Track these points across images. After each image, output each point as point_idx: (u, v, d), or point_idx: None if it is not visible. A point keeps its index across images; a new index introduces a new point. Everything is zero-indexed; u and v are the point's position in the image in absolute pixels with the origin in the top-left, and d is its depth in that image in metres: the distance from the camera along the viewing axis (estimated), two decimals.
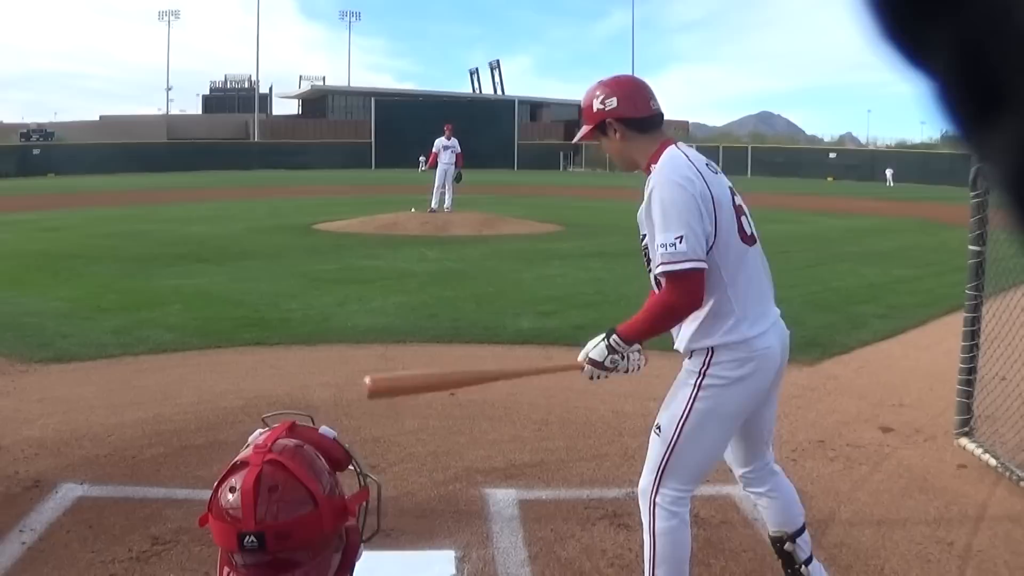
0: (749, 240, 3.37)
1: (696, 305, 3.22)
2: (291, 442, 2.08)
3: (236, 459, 2.00)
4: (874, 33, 0.49)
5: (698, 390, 3.32)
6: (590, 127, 3.48)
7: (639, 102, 3.41)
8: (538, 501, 4.99)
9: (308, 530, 1.92)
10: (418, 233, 18.71)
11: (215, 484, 1.97)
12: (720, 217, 3.24)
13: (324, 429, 2.21)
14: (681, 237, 3.12)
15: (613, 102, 3.38)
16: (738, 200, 3.38)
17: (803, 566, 3.75)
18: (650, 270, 3.36)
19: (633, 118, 3.40)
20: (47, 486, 5.00)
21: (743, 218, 3.36)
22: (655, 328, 3.35)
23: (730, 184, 3.43)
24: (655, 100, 3.44)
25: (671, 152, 3.36)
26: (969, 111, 0.49)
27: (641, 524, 3.53)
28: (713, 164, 3.45)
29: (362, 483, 2.20)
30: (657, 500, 3.41)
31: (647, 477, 3.46)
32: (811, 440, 5.97)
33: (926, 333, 9.36)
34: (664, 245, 3.15)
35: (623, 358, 3.36)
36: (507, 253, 15.79)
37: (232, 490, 1.92)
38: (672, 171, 3.26)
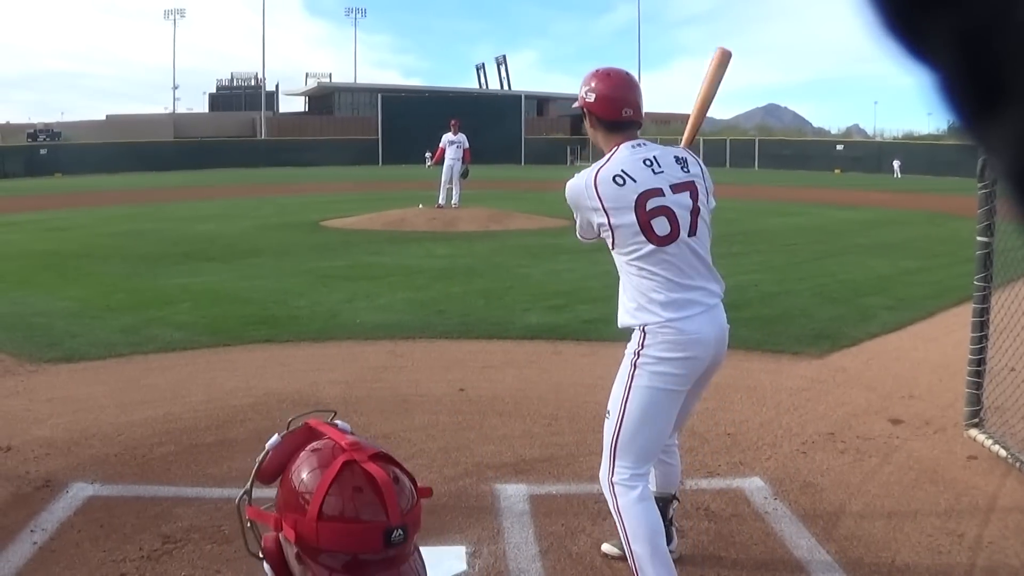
0: (663, 241, 3.56)
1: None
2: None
3: (329, 461, 1.94)
4: (876, 26, 0.49)
5: (634, 368, 3.62)
6: (578, 107, 3.87)
7: (611, 107, 3.73)
8: (549, 496, 4.99)
9: (420, 517, 1.93)
10: (426, 229, 18.71)
11: (317, 491, 1.91)
12: (621, 221, 3.57)
13: (341, 424, 2.16)
14: (577, 221, 3.79)
15: (592, 96, 3.75)
16: (666, 201, 3.58)
17: (671, 522, 4.17)
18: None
19: (601, 117, 3.74)
20: (58, 486, 5.02)
21: (658, 220, 3.56)
22: None
23: (673, 182, 3.64)
24: (631, 107, 3.74)
25: (599, 163, 3.71)
26: (972, 104, 0.49)
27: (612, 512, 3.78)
28: (651, 164, 3.67)
29: None
30: (614, 480, 3.70)
31: (603, 461, 3.77)
32: (821, 432, 5.96)
33: (935, 325, 9.33)
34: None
35: None
36: (515, 248, 15.80)
37: (359, 489, 1.88)
38: (589, 174, 3.68)
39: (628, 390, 3.61)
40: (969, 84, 0.48)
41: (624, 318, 3.68)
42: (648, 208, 3.56)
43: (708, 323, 3.63)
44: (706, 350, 3.63)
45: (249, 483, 2.07)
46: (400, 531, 1.83)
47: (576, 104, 3.87)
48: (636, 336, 3.62)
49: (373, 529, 1.83)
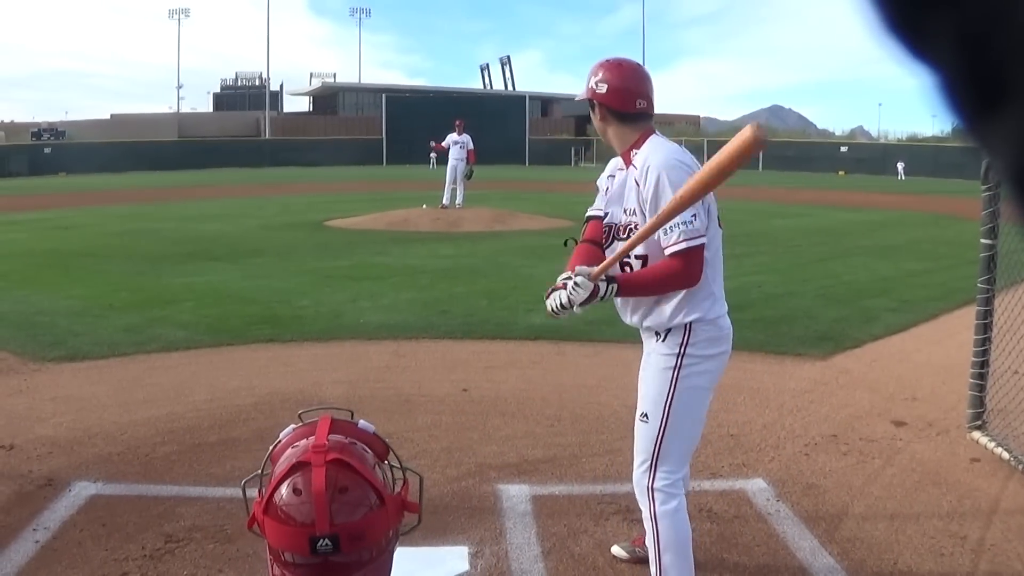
0: (720, 226, 3.56)
1: (697, 279, 3.38)
2: (345, 439, 2.04)
3: (293, 459, 1.95)
4: (877, 26, 0.49)
5: (679, 370, 3.47)
6: (584, 98, 3.65)
7: (625, 98, 3.54)
8: (551, 496, 4.99)
9: (378, 528, 1.88)
10: (429, 229, 18.72)
11: (269, 486, 1.92)
12: (709, 200, 3.43)
13: (363, 423, 2.17)
14: (696, 215, 3.31)
15: (603, 88, 3.55)
16: None
17: None
18: (609, 243, 3.66)
19: (614, 109, 3.55)
20: (60, 484, 5.02)
21: (712, 205, 3.51)
22: (655, 290, 3.49)
23: None
24: (644, 99, 3.57)
25: (661, 139, 3.56)
26: (972, 103, 0.49)
27: (643, 516, 3.62)
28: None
29: (404, 476, 2.17)
30: (655, 486, 3.52)
31: (641, 467, 3.58)
32: (824, 434, 5.96)
33: (938, 327, 9.32)
34: (685, 223, 3.29)
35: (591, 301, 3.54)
36: (518, 249, 15.79)
37: (297, 492, 1.86)
38: (675, 153, 3.48)
39: (672, 391, 3.46)
40: (970, 84, 0.48)
41: (674, 316, 3.45)
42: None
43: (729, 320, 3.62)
44: (730, 345, 3.60)
45: (262, 467, 2.10)
46: (327, 541, 1.81)
47: (582, 96, 3.64)
48: (677, 335, 3.46)
49: (299, 534, 1.83)
